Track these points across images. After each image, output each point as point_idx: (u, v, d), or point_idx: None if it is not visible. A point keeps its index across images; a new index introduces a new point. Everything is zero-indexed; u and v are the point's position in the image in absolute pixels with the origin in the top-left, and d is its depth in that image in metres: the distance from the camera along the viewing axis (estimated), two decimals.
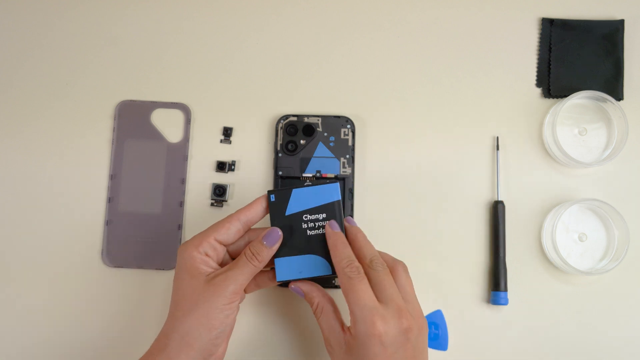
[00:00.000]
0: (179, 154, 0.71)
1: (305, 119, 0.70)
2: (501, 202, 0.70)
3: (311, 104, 0.72)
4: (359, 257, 0.59)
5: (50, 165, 0.71)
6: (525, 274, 0.70)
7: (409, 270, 0.60)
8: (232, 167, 0.71)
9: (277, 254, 0.61)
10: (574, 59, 0.73)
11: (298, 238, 0.61)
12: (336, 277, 0.62)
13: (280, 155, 0.70)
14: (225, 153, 0.71)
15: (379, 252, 0.60)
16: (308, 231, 0.61)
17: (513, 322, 0.69)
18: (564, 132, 0.71)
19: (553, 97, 0.72)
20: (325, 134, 0.70)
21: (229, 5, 0.74)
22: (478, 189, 0.71)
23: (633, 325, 0.69)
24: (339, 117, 0.70)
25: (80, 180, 0.71)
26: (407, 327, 0.55)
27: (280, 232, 0.60)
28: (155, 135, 0.71)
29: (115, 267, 0.69)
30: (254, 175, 0.71)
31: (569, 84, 0.72)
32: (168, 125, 0.71)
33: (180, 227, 0.70)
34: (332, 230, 0.60)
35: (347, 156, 0.70)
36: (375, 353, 0.55)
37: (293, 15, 0.74)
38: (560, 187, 0.71)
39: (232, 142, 0.71)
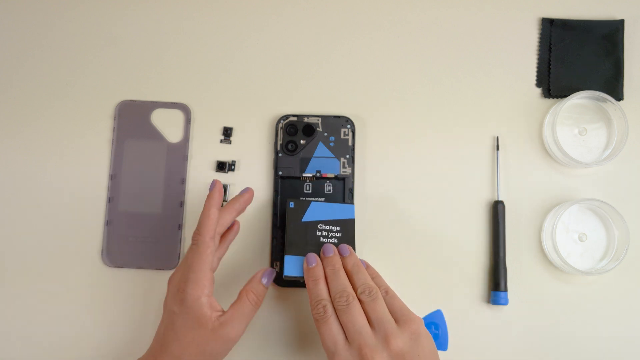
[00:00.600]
0: (179, 154, 0.71)
1: (305, 119, 0.70)
2: (501, 202, 0.70)
3: (311, 104, 0.72)
4: (353, 288, 0.59)
5: (50, 165, 0.71)
6: (525, 274, 0.70)
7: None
8: (232, 167, 0.71)
9: (288, 252, 0.63)
10: (574, 59, 0.73)
11: (310, 242, 0.63)
12: None
13: (280, 155, 0.70)
14: (225, 153, 0.71)
15: (352, 275, 0.60)
16: (321, 238, 0.64)
17: (513, 322, 0.69)
18: (564, 132, 0.71)
19: (553, 97, 0.72)
20: (325, 134, 0.70)
21: (229, 5, 0.74)
22: (478, 189, 0.71)
23: (633, 325, 0.69)
24: (339, 117, 0.70)
25: (80, 180, 0.71)
26: (396, 350, 0.55)
27: (275, 271, 0.63)
28: (155, 135, 0.71)
29: (115, 267, 0.69)
30: (254, 175, 0.71)
31: (569, 84, 0.72)
32: (168, 125, 0.71)
33: (180, 227, 0.70)
34: (307, 266, 0.61)
35: (347, 156, 0.70)
36: None
37: (293, 16, 0.74)
38: (560, 187, 0.71)
39: (232, 142, 0.71)
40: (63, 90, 0.72)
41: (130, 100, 0.72)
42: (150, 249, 0.69)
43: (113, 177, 0.70)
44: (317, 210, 0.65)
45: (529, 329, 0.69)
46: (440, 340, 0.66)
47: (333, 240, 0.64)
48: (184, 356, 0.58)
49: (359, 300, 0.58)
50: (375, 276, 0.62)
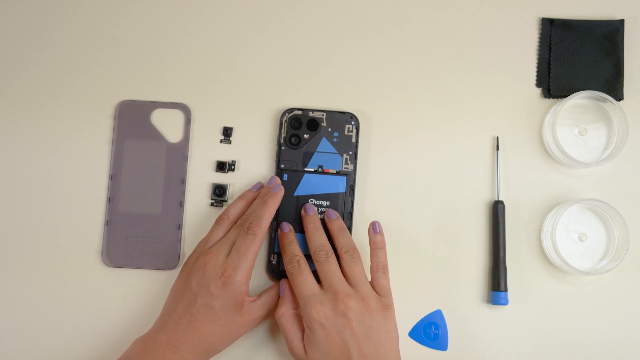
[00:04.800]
0: (179, 154, 0.71)
1: (310, 114, 0.70)
2: (501, 202, 0.70)
3: (314, 102, 0.72)
4: (309, 247, 0.65)
5: (50, 165, 0.71)
6: (525, 274, 0.70)
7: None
8: (232, 167, 0.71)
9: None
10: (574, 59, 0.73)
11: (301, 218, 0.67)
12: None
13: (283, 148, 0.70)
14: (225, 153, 0.71)
15: (339, 233, 0.65)
16: None
17: (513, 322, 0.69)
18: (564, 132, 0.71)
19: (553, 97, 0.72)
20: (330, 130, 0.70)
21: (230, 5, 0.74)
22: (478, 189, 0.71)
23: (633, 325, 0.69)
24: (343, 113, 0.70)
25: (80, 180, 0.71)
26: (344, 308, 0.59)
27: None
28: (155, 135, 0.71)
29: (115, 267, 0.69)
30: (255, 170, 0.71)
31: (569, 84, 0.72)
32: (168, 125, 0.71)
33: (180, 227, 0.70)
34: (281, 232, 0.67)
35: (350, 152, 0.70)
36: (323, 336, 0.59)
37: (295, 14, 0.73)
38: (560, 187, 0.71)
39: (232, 142, 0.72)
40: (63, 90, 0.72)
41: (130, 100, 0.72)
42: (150, 249, 0.69)
43: (113, 177, 0.70)
44: (310, 183, 0.68)
45: (529, 329, 0.69)
46: (440, 340, 0.66)
47: (322, 215, 0.68)
48: (212, 338, 0.62)
49: (341, 258, 0.63)
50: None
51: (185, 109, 0.72)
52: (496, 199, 0.70)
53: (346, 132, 0.70)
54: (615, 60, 0.72)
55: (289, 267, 0.63)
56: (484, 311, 0.69)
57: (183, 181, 0.71)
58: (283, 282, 0.65)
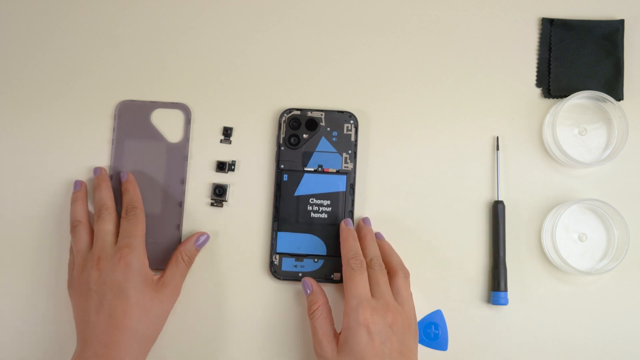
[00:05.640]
0: (179, 154, 0.71)
1: (309, 113, 0.70)
2: (501, 202, 0.70)
3: (313, 101, 0.72)
4: (363, 255, 0.65)
5: (50, 165, 0.71)
6: (525, 274, 0.70)
7: (411, 272, 0.65)
8: (232, 167, 0.71)
9: (280, 228, 0.68)
10: (574, 59, 0.73)
11: (302, 218, 0.69)
12: (328, 256, 0.69)
13: (282, 148, 0.70)
14: (225, 153, 0.71)
15: (392, 252, 0.67)
16: (312, 213, 0.69)
17: (513, 322, 0.69)
18: (564, 132, 0.71)
19: (553, 97, 0.72)
20: (328, 129, 0.70)
21: (230, 5, 0.74)
22: (478, 189, 0.71)
23: (633, 325, 0.69)
24: (342, 112, 0.70)
25: None
26: (392, 321, 0.60)
27: (208, 235, 0.68)
28: (155, 135, 0.71)
29: None
30: (255, 171, 0.71)
31: (569, 84, 0.72)
32: (168, 125, 0.71)
33: (179, 227, 0.70)
34: (346, 226, 0.67)
35: (350, 151, 0.70)
36: (365, 342, 0.59)
37: (294, 15, 0.73)
38: (560, 187, 0.71)
39: (232, 142, 0.72)
40: (63, 90, 0.72)
41: (130, 100, 0.72)
42: (149, 249, 0.69)
43: (113, 178, 0.70)
44: (310, 182, 0.69)
45: (529, 329, 0.69)
46: (440, 340, 0.66)
47: (323, 215, 0.68)
48: (140, 327, 0.61)
49: (395, 273, 0.65)
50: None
51: (185, 109, 0.72)
52: (496, 199, 0.70)
53: (345, 131, 0.70)
54: (615, 60, 0.72)
55: (351, 263, 0.63)
56: (484, 311, 0.69)
57: (183, 181, 0.71)
58: (306, 280, 0.66)
